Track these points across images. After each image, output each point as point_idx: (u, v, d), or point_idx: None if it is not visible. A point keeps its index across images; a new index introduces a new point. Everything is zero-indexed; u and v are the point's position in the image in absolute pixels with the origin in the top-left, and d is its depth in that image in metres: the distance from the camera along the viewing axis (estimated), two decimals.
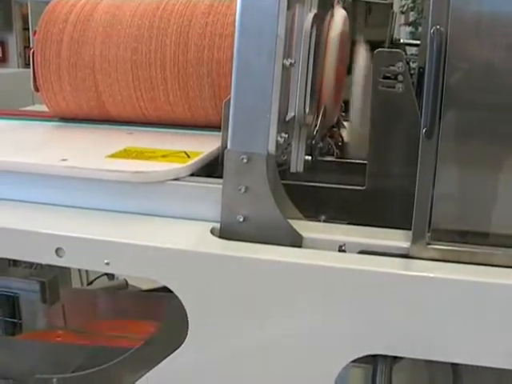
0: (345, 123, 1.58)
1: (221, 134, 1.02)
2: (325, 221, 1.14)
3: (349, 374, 1.14)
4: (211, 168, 1.09)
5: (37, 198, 1.10)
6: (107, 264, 0.96)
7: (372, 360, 0.97)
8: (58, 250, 0.99)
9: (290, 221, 0.97)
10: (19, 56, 6.78)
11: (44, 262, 1.02)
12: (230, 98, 0.97)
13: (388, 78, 1.15)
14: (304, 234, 0.97)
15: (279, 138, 0.96)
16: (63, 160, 1.08)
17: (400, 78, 1.14)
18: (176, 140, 1.25)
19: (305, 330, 0.92)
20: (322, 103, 1.23)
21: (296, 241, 0.96)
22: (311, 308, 0.90)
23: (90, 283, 2.16)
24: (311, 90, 1.07)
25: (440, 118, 0.89)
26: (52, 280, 1.38)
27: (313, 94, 1.09)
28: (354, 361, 0.91)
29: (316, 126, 1.18)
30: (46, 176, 1.08)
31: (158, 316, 1.28)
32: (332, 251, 0.94)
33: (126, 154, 1.12)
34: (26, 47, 6.64)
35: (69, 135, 1.36)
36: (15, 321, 1.98)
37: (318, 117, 1.19)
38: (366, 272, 0.87)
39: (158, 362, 1.01)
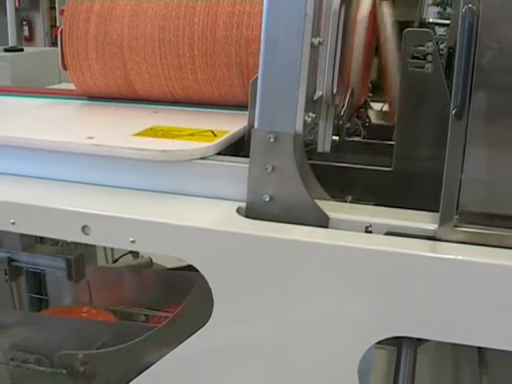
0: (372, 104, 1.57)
1: (247, 113, 1.01)
2: (351, 202, 1.14)
3: (373, 356, 1.14)
4: (237, 147, 1.08)
5: (63, 175, 1.11)
6: (133, 242, 0.96)
7: (396, 342, 0.97)
8: (84, 228, 0.99)
9: (316, 201, 0.96)
10: (46, 35, 6.82)
11: (70, 239, 1.03)
12: (257, 77, 0.96)
13: (417, 58, 1.13)
14: (330, 214, 0.96)
15: (307, 118, 0.96)
16: (89, 138, 1.08)
17: (429, 58, 1.12)
18: (202, 119, 1.25)
19: (330, 311, 0.91)
20: (349, 83, 1.23)
21: (322, 221, 0.95)
22: (337, 289, 0.89)
23: (114, 261, 2.18)
24: (339, 69, 1.05)
25: (470, 99, 0.88)
26: (78, 257, 1.39)
27: (341, 74, 1.08)
28: (378, 342, 0.91)
29: (343, 106, 1.17)
30: (72, 154, 1.08)
31: (182, 294, 1.28)
32: (358, 232, 0.93)
33: (152, 132, 1.12)
34: (53, 26, 6.68)
35: (95, 113, 1.37)
36: (41, 297, 2.01)
37: (345, 97, 1.18)
38: (393, 254, 0.87)
39: (183, 341, 1.02)
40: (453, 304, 0.87)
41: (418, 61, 1.13)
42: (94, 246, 1.96)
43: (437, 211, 0.93)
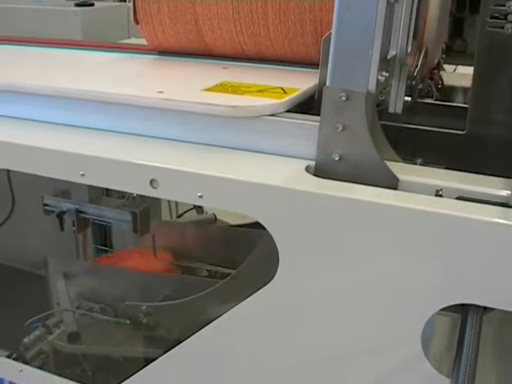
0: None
1: (319, 70, 1.00)
2: (421, 164, 1.11)
3: (436, 323, 1.13)
4: (307, 105, 1.07)
5: (132, 129, 1.12)
6: (200, 197, 0.97)
7: (461, 310, 0.95)
8: (152, 182, 1.00)
9: (386, 162, 0.94)
10: None
11: (138, 192, 1.04)
12: (329, 34, 0.94)
13: (496, 18, 1.09)
14: (400, 176, 0.94)
15: (380, 77, 0.93)
16: (159, 92, 1.08)
17: (510, 18, 1.08)
18: (272, 75, 1.24)
19: (395, 275, 0.90)
20: (424, 43, 1.19)
21: (392, 183, 0.94)
22: (404, 252, 0.88)
23: (179, 216, 2.20)
24: (414, 28, 1.02)
25: None
26: (143, 211, 1.42)
27: (415, 34, 1.05)
28: (443, 309, 0.90)
29: (417, 66, 1.14)
30: (141, 108, 1.09)
31: (246, 251, 1.29)
32: (429, 195, 0.91)
33: (222, 87, 1.11)
34: None
35: (166, 68, 1.37)
36: (107, 249, 2.05)
37: (419, 57, 1.15)
38: (464, 219, 0.84)
39: (245, 298, 1.02)
40: None
41: (498, 21, 1.09)
42: (158, 201, 1.99)
43: (510, 177, 0.91)
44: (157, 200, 1.93)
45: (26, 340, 1.55)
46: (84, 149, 1.07)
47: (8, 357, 1.49)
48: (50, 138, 1.12)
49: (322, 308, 0.97)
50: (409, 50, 1.01)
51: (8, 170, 1.43)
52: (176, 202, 2.17)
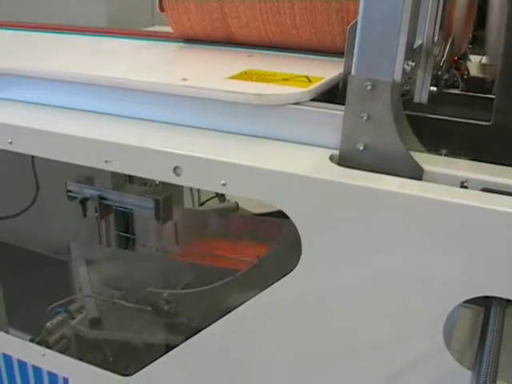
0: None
1: (344, 59, 0.99)
2: (446, 155, 1.11)
3: (458, 315, 1.12)
4: (332, 94, 1.06)
5: (157, 116, 1.12)
6: (224, 185, 0.97)
7: (484, 302, 0.95)
8: (176, 169, 1.00)
9: (411, 152, 0.93)
10: None
11: (162, 179, 1.04)
12: (355, 23, 0.93)
13: None
14: (425, 166, 0.94)
15: (406, 66, 0.93)
16: (184, 80, 1.08)
17: None
18: (297, 64, 1.23)
19: (418, 266, 0.89)
20: (450, 33, 1.18)
21: (416, 173, 0.93)
22: (428, 243, 0.87)
23: (201, 204, 2.21)
24: (441, 17, 1.01)
25: None
26: (166, 198, 1.42)
27: (442, 23, 1.04)
28: (465, 301, 0.89)
29: (443, 56, 1.13)
30: (166, 95, 1.09)
31: (268, 240, 1.29)
32: (453, 187, 0.91)
33: (246, 75, 1.11)
34: None
35: (190, 56, 1.37)
36: (129, 236, 2.06)
37: (445, 47, 1.14)
38: (489, 211, 0.83)
39: (266, 286, 1.02)
40: None
41: None
42: (181, 188, 1.99)
43: None
44: (179, 188, 1.93)
45: (48, 325, 1.57)
46: (108, 136, 1.07)
47: (31, 341, 1.51)
48: (75, 125, 1.13)
49: (344, 298, 0.97)
50: (435, 39, 1.00)
51: (32, 156, 1.44)
52: (198, 190, 2.18)
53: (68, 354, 1.46)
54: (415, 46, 0.99)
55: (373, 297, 0.94)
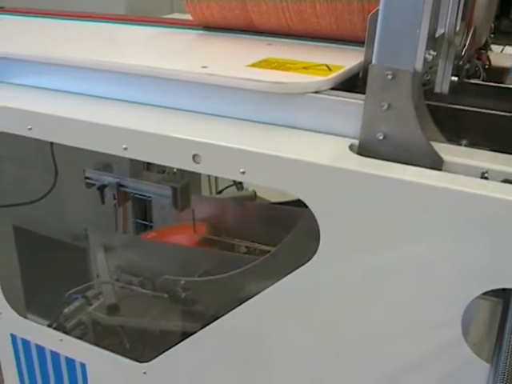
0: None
1: (364, 48, 0.99)
2: (466, 146, 1.10)
3: (476, 307, 1.12)
4: (352, 83, 1.06)
5: (176, 104, 1.12)
6: (243, 173, 0.97)
7: (503, 294, 0.94)
8: (195, 157, 1.00)
9: (431, 142, 0.93)
10: None
11: (181, 167, 1.04)
12: (376, 11, 0.92)
13: None
14: (445, 157, 0.93)
15: (427, 55, 0.92)
16: (203, 67, 1.08)
17: None
18: (316, 52, 1.22)
19: (437, 257, 0.89)
20: (472, 22, 1.17)
21: (436, 163, 0.92)
22: (448, 234, 0.87)
23: (219, 192, 2.21)
24: (463, 7, 1.00)
25: None
26: (184, 186, 1.42)
27: (464, 12, 1.02)
28: (484, 293, 0.88)
29: (464, 45, 1.12)
30: (185, 82, 1.09)
31: (286, 229, 1.29)
32: (474, 177, 0.90)
33: (266, 63, 1.10)
34: None
35: (210, 43, 1.36)
36: (146, 223, 2.07)
37: (467, 36, 1.13)
38: (509, 202, 0.83)
39: (284, 275, 1.02)
40: None
41: None
42: (199, 176, 2.00)
43: None
44: (197, 176, 1.94)
45: (66, 310, 1.58)
46: (128, 123, 1.07)
47: (49, 326, 1.52)
48: (94, 112, 1.13)
49: (362, 288, 0.97)
50: (457, 28, 0.99)
51: (51, 143, 1.45)
52: (216, 178, 2.18)
53: (85, 340, 1.47)
54: (437, 35, 0.98)
55: (391, 287, 0.94)
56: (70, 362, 1.44)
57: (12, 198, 1.50)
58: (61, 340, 1.43)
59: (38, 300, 1.61)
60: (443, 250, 0.88)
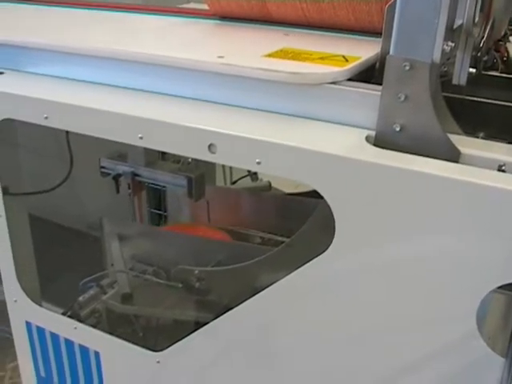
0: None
1: (381, 39, 0.98)
2: (483, 138, 1.09)
3: (491, 300, 1.11)
4: (368, 74, 1.05)
5: (192, 93, 1.12)
6: (258, 163, 0.97)
7: None
8: (210, 146, 1.00)
9: (448, 134, 0.92)
10: None
11: (197, 157, 1.04)
12: (394, 2, 0.92)
13: None
14: (462, 149, 0.92)
15: (445, 47, 0.91)
16: (220, 57, 1.08)
17: None
18: (333, 43, 1.22)
19: (453, 249, 0.88)
20: (491, 14, 1.16)
21: (453, 155, 0.91)
22: (464, 227, 0.86)
23: (233, 183, 2.21)
24: None
25: None
26: (199, 176, 1.42)
27: (483, 3, 1.02)
28: (499, 287, 0.88)
29: (483, 37, 1.11)
30: (202, 72, 1.09)
31: (300, 220, 1.29)
32: (491, 170, 0.89)
33: (282, 54, 1.10)
34: None
35: (226, 33, 1.36)
36: (161, 213, 2.07)
37: (485, 28, 1.12)
38: None
39: (298, 266, 1.02)
40: None
41: None
42: (213, 166, 2.00)
43: None
44: (211, 166, 1.94)
45: (80, 299, 1.58)
46: (144, 112, 1.07)
47: (63, 314, 1.53)
48: (110, 101, 1.13)
49: (377, 280, 0.96)
50: (476, 19, 0.98)
51: (67, 132, 1.45)
52: (230, 169, 2.18)
53: (99, 328, 1.48)
54: (455, 26, 0.98)
55: (406, 279, 0.94)
56: (84, 350, 1.44)
57: (28, 186, 1.51)
58: (75, 328, 1.44)
59: (52, 288, 1.62)
60: (459, 243, 0.88)
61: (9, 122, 1.24)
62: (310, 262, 1.00)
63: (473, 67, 1.07)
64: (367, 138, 0.95)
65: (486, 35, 1.11)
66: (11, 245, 1.41)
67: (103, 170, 1.57)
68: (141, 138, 1.07)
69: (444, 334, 0.95)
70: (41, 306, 1.49)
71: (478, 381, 0.95)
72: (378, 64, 1.03)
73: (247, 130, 0.98)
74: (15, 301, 1.48)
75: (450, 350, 0.95)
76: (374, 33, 1.19)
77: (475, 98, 1.23)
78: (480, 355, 0.92)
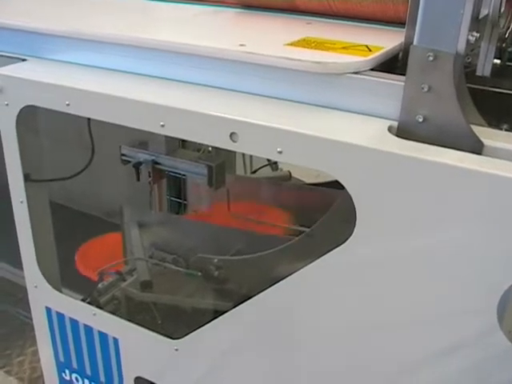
0: None
1: (405, 29, 0.97)
2: (507, 130, 1.08)
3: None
4: (392, 64, 1.04)
5: (213, 82, 1.12)
6: (280, 152, 0.96)
7: None
8: (232, 135, 1.00)
9: (471, 126, 0.91)
10: None
11: (218, 145, 1.04)
12: None
13: None
14: (485, 141, 0.91)
15: (470, 37, 0.90)
16: (241, 45, 1.08)
17: None
18: (356, 33, 1.21)
19: (475, 242, 0.88)
20: None
21: (476, 147, 0.91)
22: (486, 220, 0.85)
23: (253, 172, 2.21)
24: None
25: None
26: (220, 165, 1.42)
27: None
28: None
29: (508, 28, 1.09)
30: (223, 60, 1.09)
31: (320, 210, 1.28)
32: None
33: (305, 43, 1.09)
34: None
35: (249, 22, 1.36)
36: (181, 201, 2.08)
37: (511, 19, 1.11)
38: None
39: (318, 256, 1.02)
40: None
41: None
42: (234, 155, 2.00)
43: None
44: (232, 155, 1.94)
45: (100, 286, 1.59)
46: (166, 100, 1.07)
47: (83, 300, 1.54)
48: (132, 88, 1.13)
49: (397, 271, 0.96)
50: (502, 10, 0.97)
51: (89, 119, 1.46)
52: (251, 158, 2.18)
53: (118, 315, 1.49)
54: (480, 16, 0.96)
55: (426, 271, 0.93)
56: (103, 337, 1.45)
57: (49, 173, 1.52)
58: (94, 314, 1.45)
59: (72, 275, 1.63)
60: (481, 236, 0.87)
61: (31, 108, 1.25)
62: (330, 252, 0.99)
63: (497, 58, 1.06)
64: (389, 129, 0.94)
65: (511, 26, 1.10)
66: (32, 231, 1.41)
67: (124, 157, 1.57)
68: (162, 125, 1.07)
69: (465, 327, 0.94)
70: (61, 291, 1.51)
71: (498, 374, 0.94)
72: (401, 54, 1.02)
73: (269, 119, 0.98)
74: (35, 286, 1.50)
75: (471, 343, 0.95)
76: (399, 23, 1.17)
77: (499, 90, 1.21)
78: (500, 348, 0.92)
